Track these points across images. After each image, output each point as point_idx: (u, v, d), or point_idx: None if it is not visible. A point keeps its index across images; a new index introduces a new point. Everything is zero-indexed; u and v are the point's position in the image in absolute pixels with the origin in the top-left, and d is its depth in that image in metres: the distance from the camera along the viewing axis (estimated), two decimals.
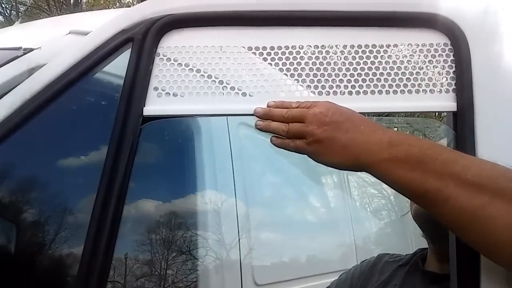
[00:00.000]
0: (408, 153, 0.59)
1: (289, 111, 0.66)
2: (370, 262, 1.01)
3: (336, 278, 1.06)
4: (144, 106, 0.69)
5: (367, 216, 2.61)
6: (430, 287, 0.86)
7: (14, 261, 0.73)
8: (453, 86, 0.69)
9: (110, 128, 0.67)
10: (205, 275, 0.97)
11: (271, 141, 0.67)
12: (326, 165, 0.64)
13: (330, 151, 0.62)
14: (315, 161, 0.64)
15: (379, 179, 0.62)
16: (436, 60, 0.70)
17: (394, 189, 0.62)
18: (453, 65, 0.69)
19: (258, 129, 0.68)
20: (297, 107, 0.67)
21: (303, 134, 0.64)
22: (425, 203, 0.60)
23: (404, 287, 0.89)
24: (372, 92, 0.70)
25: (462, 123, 0.67)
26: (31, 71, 0.76)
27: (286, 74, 0.72)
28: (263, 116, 0.68)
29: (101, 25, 0.75)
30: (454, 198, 0.56)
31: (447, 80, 0.70)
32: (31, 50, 0.83)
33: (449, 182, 0.57)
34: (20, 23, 1.58)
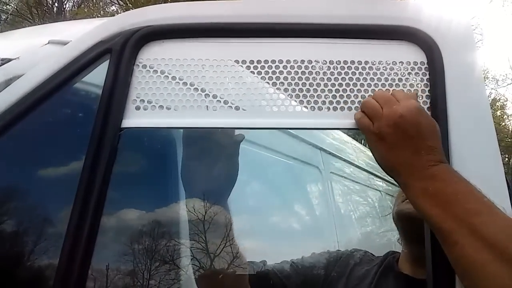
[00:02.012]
0: (440, 190, 0.61)
1: (380, 91, 0.68)
2: (346, 253, 1.02)
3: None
4: (123, 119, 0.68)
5: (352, 223, 2.63)
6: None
7: None
8: (428, 104, 0.70)
9: (87, 140, 0.66)
10: (188, 285, 0.97)
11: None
12: (372, 155, 0.66)
13: (381, 149, 0.65)
14: (367, 145, 0.66)
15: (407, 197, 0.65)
16: (413, 74, 0.72)
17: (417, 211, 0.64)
18: (428, 79, 0.71)
19: None
20: (390, 94, 0.68)
21: (373, 116, 0.66)
22: (437, 237, 0.62)
23: (379, 287, 0.90)
24: (349, 109, 0.71)
25: None
26: (8, 82, 0.75)
27: (267, 87, 0.73)
28: None
29: (79, 36, 0.75)
30: (461, 245, 0.59)
31: (422, 96, 0.71)
32: (9, 60, 0.82)
33: (464, 230, 0.59)
34: (1, 31, 1.56)
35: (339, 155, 2.36)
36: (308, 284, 0.95)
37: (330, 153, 2.20)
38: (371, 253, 1.00)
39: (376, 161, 0.66)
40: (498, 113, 18.52)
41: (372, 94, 0.70)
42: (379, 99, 0.67)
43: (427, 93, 0.70)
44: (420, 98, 0.70)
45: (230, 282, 0.87)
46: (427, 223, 0.64)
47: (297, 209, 2.00)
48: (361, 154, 2.83)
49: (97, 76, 0.70)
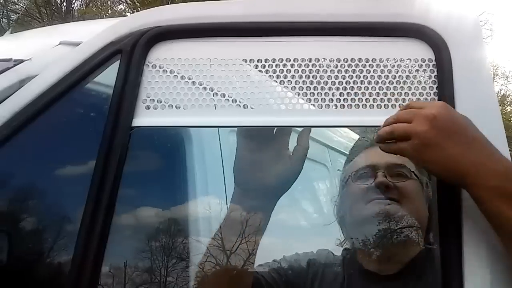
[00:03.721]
0: None
1: (398, 113, 0.64)
2: (317, 254, 0.97)
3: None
4: (134, 118, 0.70)
5: None
6: (373, 287, 0.86)
7: (5, 271, 0.73)
8: (436, 97, 0.70)
9: (99, 140, 0.68)
10: (201, 283, 0.98)
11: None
12: (424, 169, 0.63)
13: (433, 157, 0.59)
14: (415, 163, 0.63)
15: (474, 200, 0.60)
16: (421, 71, 0.72)
17: (484, 215, 0.60)
18: (436, 76, 0.71)
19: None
20: (405, 108, 0.64)
21: (408, 135, 0.60)
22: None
23: (349, 285, 0.87)
24: (357, 106, 0.71)
25: None
26: (21, 83, 0.77)
27: (275, 86, 0.73)
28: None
29: (90, 37, 0.76)
30: None
31: (430, 93, 0.71)
32: (22, 61, 0.83)
33: None
34: (11, 33, 1.58)
35: (347, 153, 2.35)
36: None
37: (337, 151, 2.20)
38: (332, 252, 0.96)
39: (432, 173, 0.61)
40: (508, 109, 18.28)
41: (378, 92, 0.70)
42: (402, 118, 0.62)
43: (435, 90, 0.70)
44: (428, 95, 0.70)
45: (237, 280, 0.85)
46: (501, 228, 0.59)
47: (305, 206, 2.01)
48: None
49: (108, 77, 0.72)
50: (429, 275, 0.79)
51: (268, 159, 0.80)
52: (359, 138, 1.01)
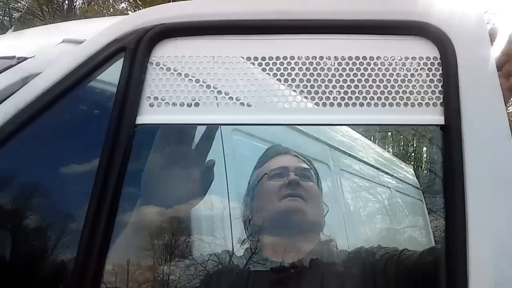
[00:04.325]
0: None
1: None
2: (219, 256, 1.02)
3: None
4: (137, 116, 0.69)
5: (361, 220, 2.62)
6: (277, 275, 0.92)
7: (8, 269, 0.73)
8: (441, 99, 0.70)
9: (103, 137, 0.68)
10: (203, 282, 0.98)
11: None
12: None
13: None
14: None
15: None
16: (425, 70, 0.71)
17: None
18: (441, 75, 0.70)
19: None
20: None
21: None
22: None
23: (255, 278, 0.93)
24: (361, 105, 0.70)
25: (449, 137, 0.67)
26: (25, 80, 0.76)
27: (278, 84, 0.73)
28: None
29: (94, 33, 0.76)
30: None
31: (435, 91, 0.70)
32: (25, 59, 0.83)
33: None
34: (14, 30, 1.58)
35: (349, 152, 2.36)
36: None
37: (339, 150, 2.19)
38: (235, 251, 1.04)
39: None
40: (510, 109, 18.22)
41: (383, 91, 0.70)
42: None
43: (440, 88, 0.70)
44: (433, 94, 0.70)
45: None
46: None
47: None
48: (371, 151, 2.82)
49: (112, 74, 0.71)
50: (325, 265, 0.93)
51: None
52: (270, 146, 1.13)
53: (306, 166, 1.03)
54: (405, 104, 0.70)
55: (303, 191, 0.97)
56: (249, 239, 0.97)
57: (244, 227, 1.00)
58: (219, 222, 1.17)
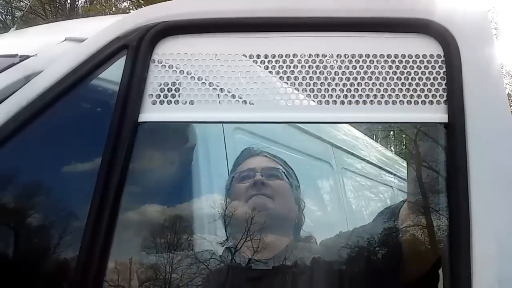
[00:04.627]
0: None
1: None
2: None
3: None
4: (140, 113, 0.69)
5: (363, 219, 2.61)
6: (253, 272, 0.95)
7: (11, 267, 0.73)
8: (444, 97, 0.69)
9: (106, 135, 0.67)
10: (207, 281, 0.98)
11: None
12: None
13: None
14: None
15: None
16: (429, 68, 0.70)
17: None
18: (445, 72, 0.70)
19: None
20: None
21: None
22: None
23: (233, 275, 0.95)
24: (364, 102, 0.70)
25: (453, 135, 0.67)
26: (27, 78, 0.76)
27: (281, 82, 0.73)
28: None
29: (96, 32, 0.76)
30: None
31: (439, 89, 0.70)
32: (27, 57, 0.83)
33: None
34: (16, 29, 1.58)
35: (351, 151, 2.35)
36: None
37: (341, 149, 2.19)
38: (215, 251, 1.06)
39: None
40: None
41: (386, 88, 0.69)
42: None
43: (443, 86, 0.70)
44: (436, 92, 0.69)
45: None
46: None
47: (309, 204, 2.00)
48: (373, 149, 2.81)
49: (114, 72, 0.71)
50: (298, 262, 0.95)
51: None
52: (245, 149, 1.15)
53: (273, 165, 1.05)
54: (408, 102, 0.69)
55: (269, 189, 0.99)
56: (228, 240, 0.98)
57: (223, 229, 1.02)
58: (220, 222, 1.17)
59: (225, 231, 1.01)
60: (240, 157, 1.12)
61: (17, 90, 0.74)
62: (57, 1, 10.86)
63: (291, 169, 1.10)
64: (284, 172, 1.06)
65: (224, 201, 1.06)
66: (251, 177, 1.02)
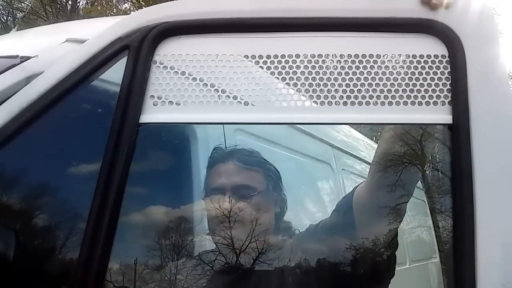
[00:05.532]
0: None
1: None
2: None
3: None
4: (141, 114, 0.69)
5: None
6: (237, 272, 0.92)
7: (12, 268, 0.72)
8: (449, 98, 0.68)
9: (107, 136, 0.67)
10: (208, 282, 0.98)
11: None
12: None
13: None
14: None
15: None
16: (433, 68, 0.70)
17: None
18: (449, 73, 0.69)
19: None
20: None
21: None
22: None
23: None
24: (368, 103, 0.69)
25: (457, 136, 0.67)
26: (28, 79, 0.76)
27: (282, 83, 0.72)
28: None
29: (97, 33, 0.76)
30: None
31: (443, 90, 0.69)
32: (28, 58, 0.83)
33: None
34: (17, 30, 1.58)
35: (351, 152, 2.35)
36: None
37: (342, 150, 2.19)
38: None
39: None
40: None
41: (390, 89, 0.69)
42: None
43: (448, 87, 0.69)
44: (441, 92, 0.69)
45: None
46: None
47: (309, 206, 2.00)
48: (373, 151, 2.80)
49: (116, 73, 0.71)
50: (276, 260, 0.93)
51: None
52: (215, 148, 1.07)
53: (243, 181, 0.98)
54: (412, 103, 0.69)
55: (240, 210, 0.95)
56: (212, 239, 0.97)
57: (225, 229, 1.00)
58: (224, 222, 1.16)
59: (226, 232, 0.99)
60: (210, 162, 1.04)
61: (18, 91, 0.74)
62: (58, 3, 10.89)
63: (269, 165, 1.04)
64: (254, 188, 0.98)
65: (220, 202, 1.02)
66: (220, 194, 0.97)
